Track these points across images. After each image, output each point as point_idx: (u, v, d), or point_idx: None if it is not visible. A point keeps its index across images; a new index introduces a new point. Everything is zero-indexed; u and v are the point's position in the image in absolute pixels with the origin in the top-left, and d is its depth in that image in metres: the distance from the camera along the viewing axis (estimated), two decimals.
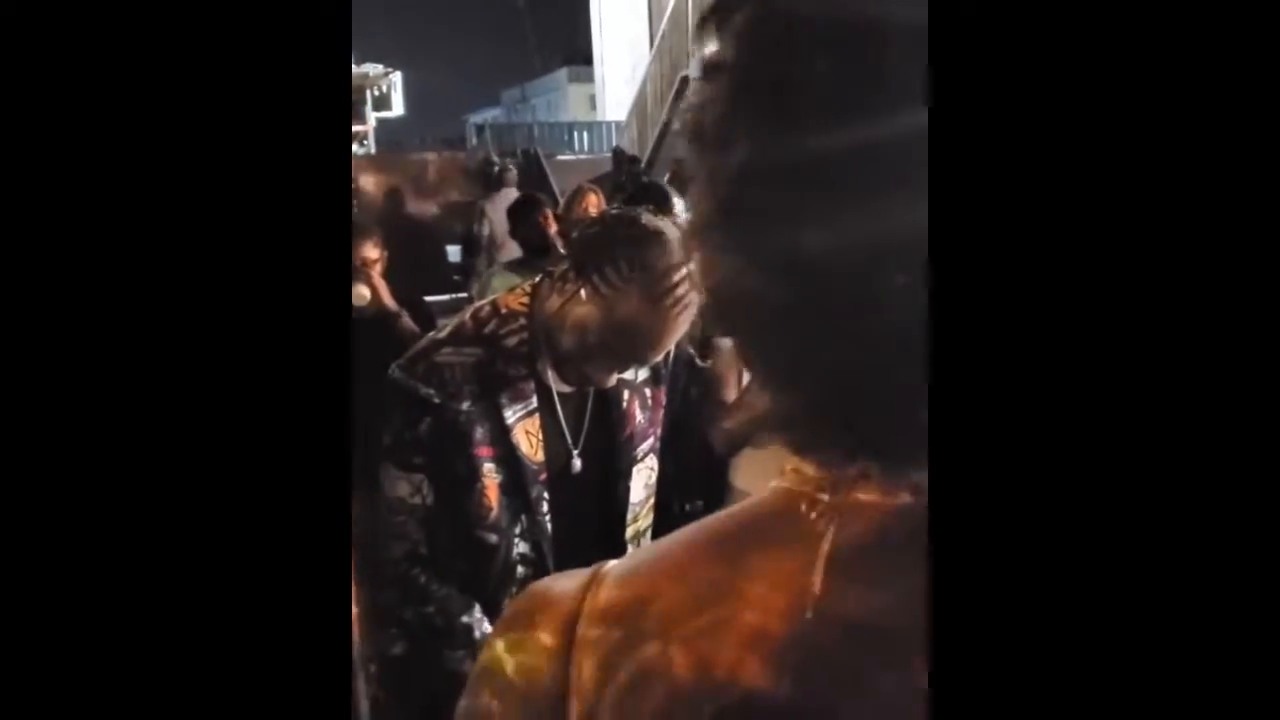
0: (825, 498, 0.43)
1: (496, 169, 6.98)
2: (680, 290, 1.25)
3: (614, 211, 1.35)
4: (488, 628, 1.37)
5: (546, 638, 0.47)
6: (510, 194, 6.39)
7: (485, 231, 5.98)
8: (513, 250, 5.69)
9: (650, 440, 1.52)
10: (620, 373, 1.40)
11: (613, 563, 0.50)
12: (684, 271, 1.25)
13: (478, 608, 1.38)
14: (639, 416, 1.48)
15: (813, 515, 0.43)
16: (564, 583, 0.49)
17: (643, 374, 1.50)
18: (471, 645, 1.35)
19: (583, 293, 1.27)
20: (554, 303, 1.32)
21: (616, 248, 1.25)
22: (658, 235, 1.26)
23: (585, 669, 0.45)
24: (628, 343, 1.29)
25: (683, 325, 1.29)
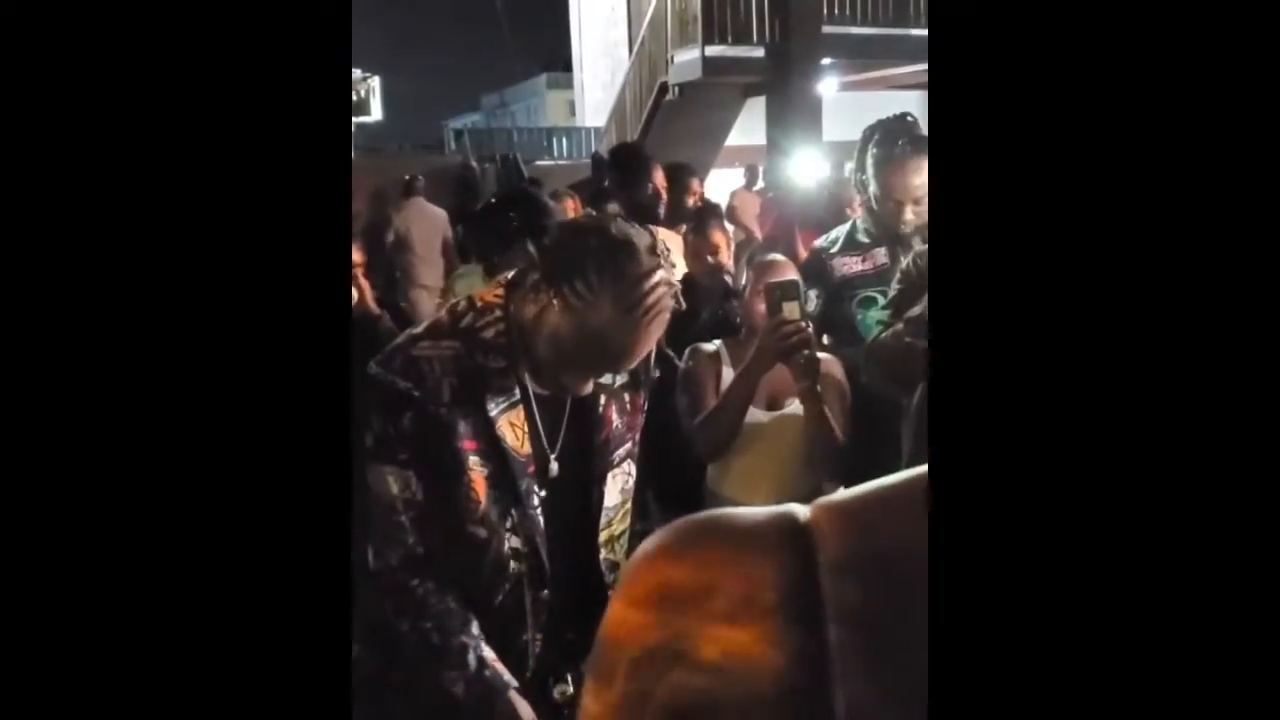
0: None
1: (407, 177, 7.02)
2: (651, 298, 1.24)
3: (583, 221, 1.33)
4: (484, 650, 1.33)
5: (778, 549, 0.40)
6: (419, 203, 6.48)
7: (390, 239, 6.15)
8: (422, 256, 5.88)
9: (627, 445, 1.51)
10: (597, 380, 1.40)
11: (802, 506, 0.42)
12: (655, 279, 1.25)
13: (474, 625, 1.34)
14: (616, 421, 1.48)
15: None
16: (750, 514, 0.42)
17: (621, 379, 1.49)
18: (464, 667, 1.32)
19: (555, 303, 1.27)
20: (528, 310, 1.32)
21: (586, 258, 1.25)
22: (627, 244, 1.25)
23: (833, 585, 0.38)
24: (601, 352, 1.28)
25: (656, 332, 1.28)
